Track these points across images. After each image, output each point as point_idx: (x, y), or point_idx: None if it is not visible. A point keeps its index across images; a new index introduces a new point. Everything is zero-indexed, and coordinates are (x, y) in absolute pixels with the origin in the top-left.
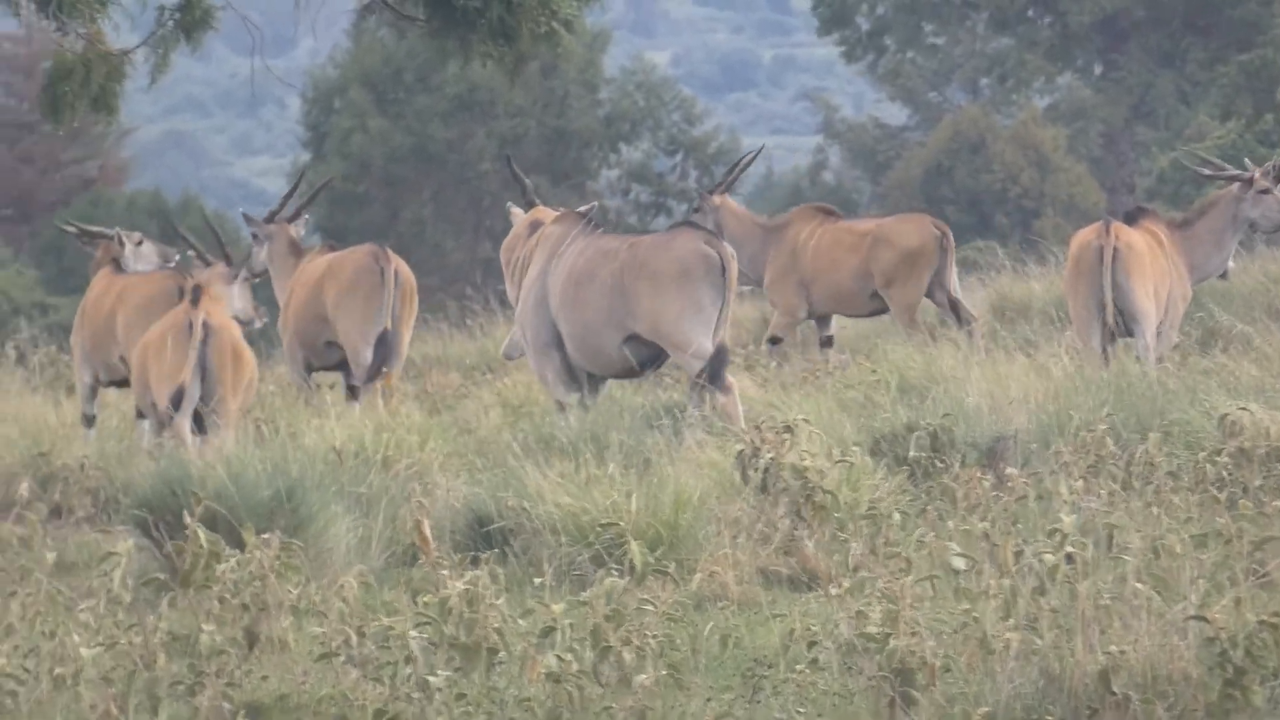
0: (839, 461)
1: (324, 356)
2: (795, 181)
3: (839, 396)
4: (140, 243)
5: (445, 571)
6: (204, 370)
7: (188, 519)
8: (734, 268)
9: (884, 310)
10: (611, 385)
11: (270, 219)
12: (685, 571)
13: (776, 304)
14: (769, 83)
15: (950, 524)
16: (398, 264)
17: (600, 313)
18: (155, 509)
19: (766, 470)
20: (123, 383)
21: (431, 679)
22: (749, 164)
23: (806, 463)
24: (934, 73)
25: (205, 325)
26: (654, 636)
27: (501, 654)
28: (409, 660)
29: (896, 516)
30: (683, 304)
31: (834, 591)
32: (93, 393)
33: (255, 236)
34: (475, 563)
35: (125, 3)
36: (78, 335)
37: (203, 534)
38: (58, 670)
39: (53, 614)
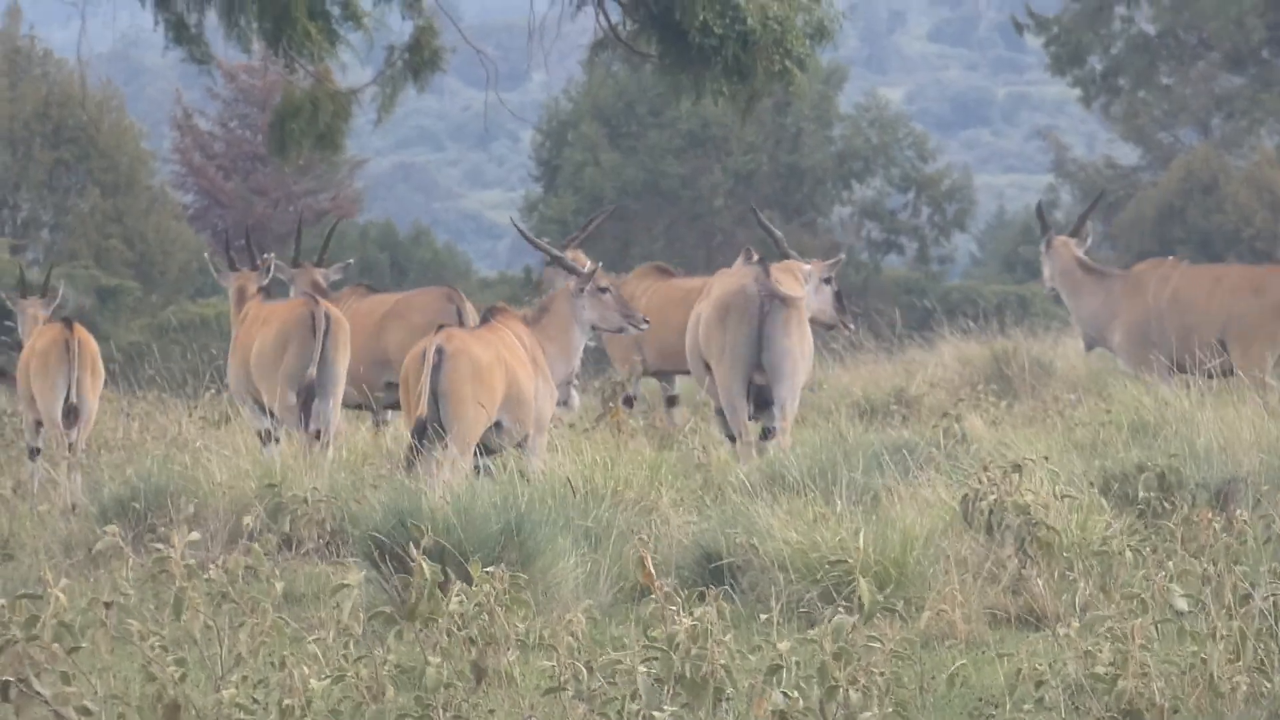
0: (1064, 497)
1: (378, 396)
2: (1027, 221)
3: (1069, 436)
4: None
5: (673, 607)
6: (435, 395)
7: (413, 551)
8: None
9: None
10: (843, 424)
11: (294, 263)
12: (913, 610)
13: (614, 360)
14: (1002, 120)
15: (1171, 564)
16: (469, 305)
17: None
18: (384, 541)
19: (991, 510)
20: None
21: (658, 714)
22: (601, 221)
23: (1029, 499)
24: (1164, 112)
25: (439, 351)
26: (881, 675)
27: (728, 690)
28: (635, 696)
29: (1128, 555)
30: None
31: (1062, 631)
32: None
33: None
34: (702, 598)
35: (354, 41)
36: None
37: (428, 567)
38: (286, 701)
39: (281, 645)
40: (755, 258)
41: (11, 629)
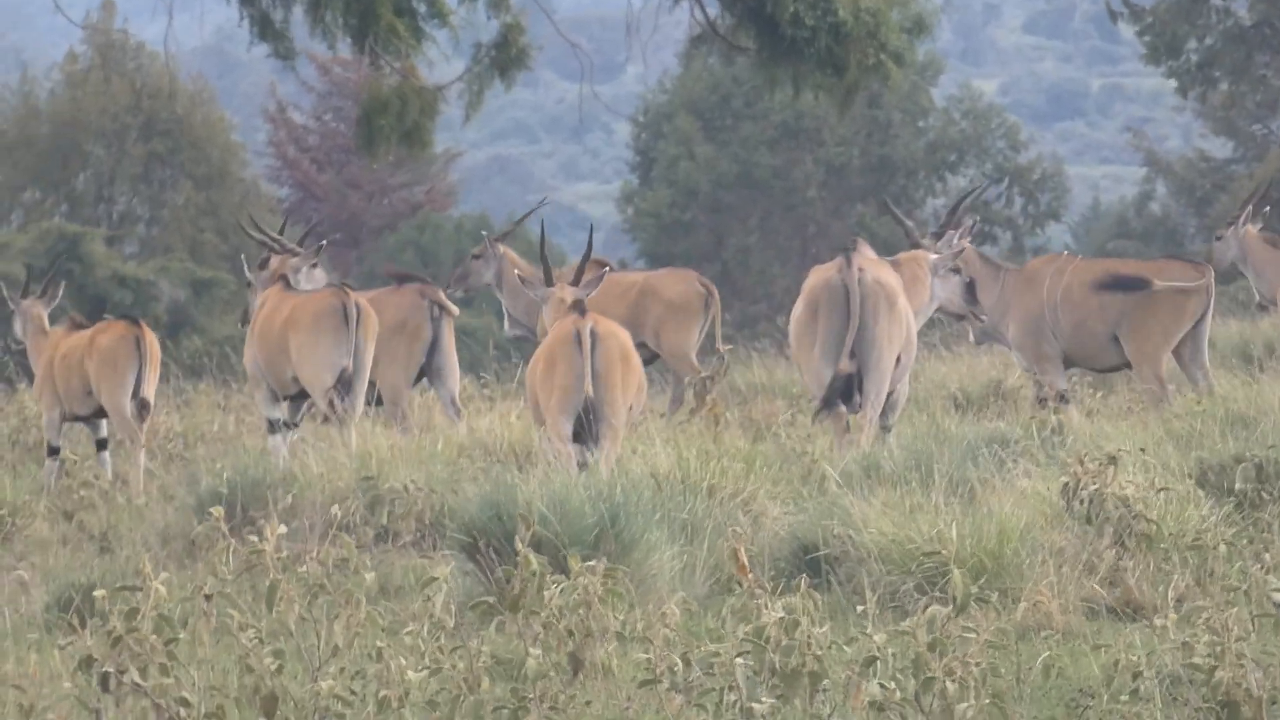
0: (1161, 490)
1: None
2: (1121, 213)
3: (1166, 427)
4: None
5: (760, 599)
6: (594, 378)
7: (518, 544)
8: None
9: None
10: (940, 415)
11: (263, 265)
12: (1009, 601)
13: None
14: (1097, 112)
15: (1268, 555)
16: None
17: None
18: (480, 533)
19: (1090, 501)
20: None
21: (755, 706)
22: (530, 214)
23: (1130, 493)
24: (1258, 104)
25: (593, 334)
26: (976, 666)
27: (824, 682)
28: (733, 688)
29: (1223, 548)
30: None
31: (1158, 622)
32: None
33: (250, 285)
34: (795, 589)
35: (440, 38)
36: (248, 352)
37: (534, 559)
38: (383, 693)
39: (377, 637)
40: (855, 247)
41: (112, 620)
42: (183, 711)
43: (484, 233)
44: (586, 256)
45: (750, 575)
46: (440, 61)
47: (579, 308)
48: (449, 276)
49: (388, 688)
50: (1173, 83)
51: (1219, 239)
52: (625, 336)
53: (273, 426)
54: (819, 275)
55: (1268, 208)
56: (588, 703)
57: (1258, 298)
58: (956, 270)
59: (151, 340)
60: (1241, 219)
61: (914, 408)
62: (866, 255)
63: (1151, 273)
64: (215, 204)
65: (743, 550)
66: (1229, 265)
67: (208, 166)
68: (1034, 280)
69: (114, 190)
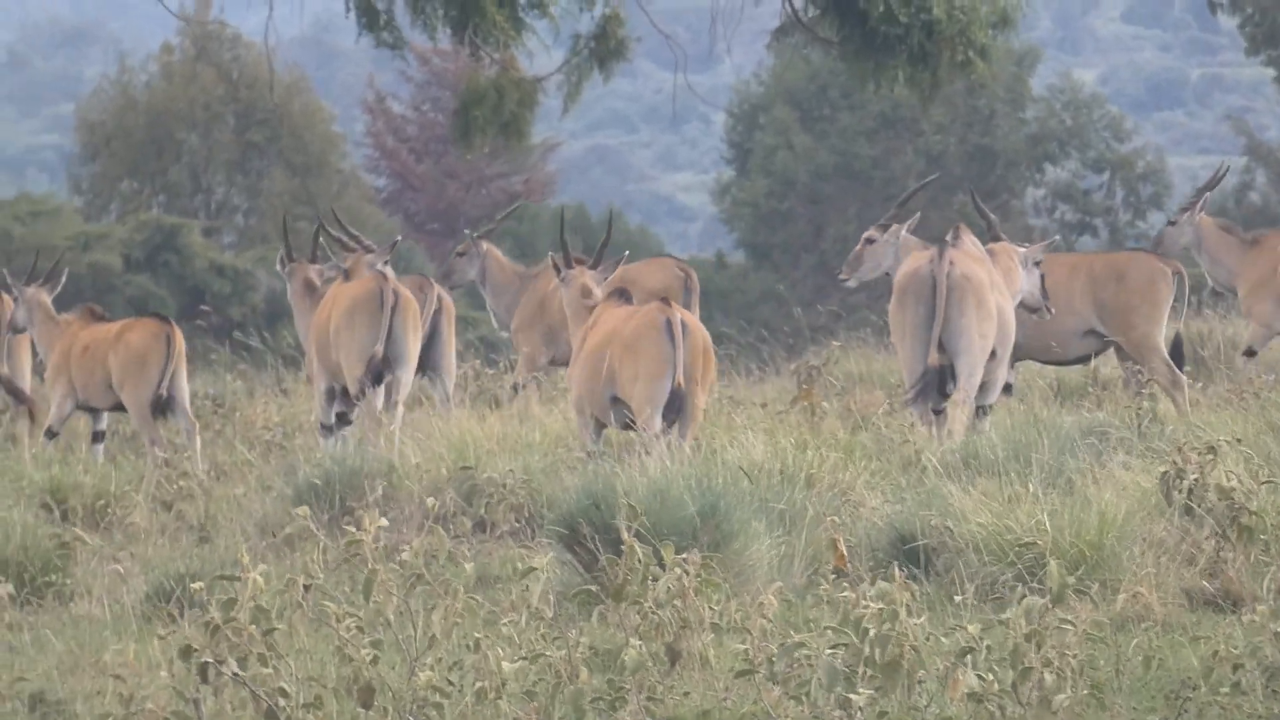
0: (1265, 483)
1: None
2: (1221, 202)
3: (1266, 418)
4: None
5: (853, 591)
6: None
7: (622, 533)
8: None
9: None
10: (1037, 405)
11: (289, 258)
12: (1108, 592)
13: (520, 349)
14: (1196, 102)
15: None
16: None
17: None
18: (578, 524)
19: (1191, 491)
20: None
21: (853, 696)
22: (510, 213)
23: (1232, 484)
24: None
25: (684, 324)
26: (1074, 657)
27: (921, 673)
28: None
29: None
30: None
31: (1260, 614)
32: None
33: (278, 274)
34: (890, 579)
35: (540, 29)
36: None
37: (639, 548)
38: (481, 683)
39: (475, 627)
40: (956, 236)
41: (209, 611)
42: (281, 701)
43: (466, 231)
44: (605, 241)
45: (848, 565)
46: (539, 52)
47: (663, 300)
48: (437, 272)
49: (485, 678)
50: (1272, 71)
51: (1173, 224)
52: (703, 327)
53: (327, 430)
54: (911, 265)
55: None
56: (686, 694)
57: (1210, 283)
58: (1039, 264)
59: (179, 339)
60: (1198, 205)
61: (1013, 398)
62: (964, 246)
63: (1117, 265)
64: (312, 193)
65: (841, 540)
66: (1181, 251)
67: (305, 156)
68: None
69: (211, 180)
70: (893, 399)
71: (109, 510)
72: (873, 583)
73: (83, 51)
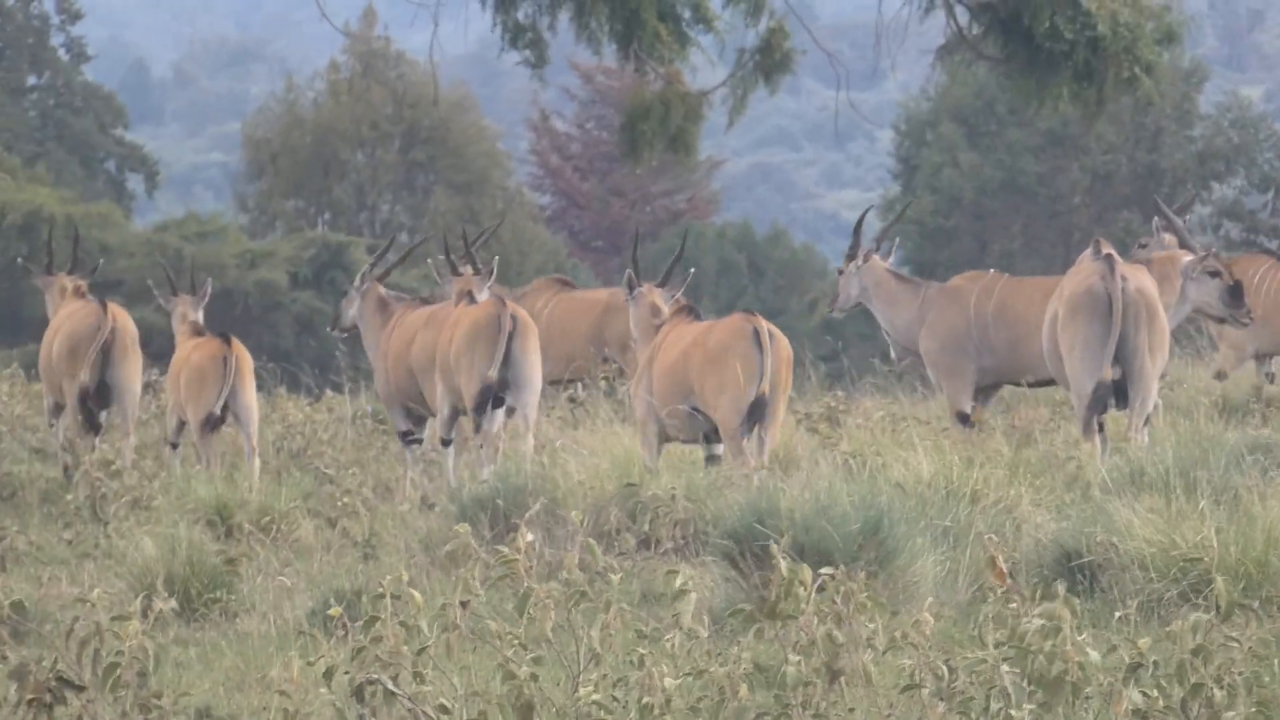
0: None
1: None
2: None
3: None
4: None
5: (1017, 605)
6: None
7: (774, 551)
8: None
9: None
10: (1203, 422)
11: (363, 280)
12: (1275, 610)
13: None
14: None
15: None
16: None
17: None
18: (742, 540)
19: None
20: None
21: (1015, 713)
22: (486, 236)
23: None
24: None
25: (771, 333)
26: (1240, 674)
27: (1086, 690)
28: (995, 695)
29: None
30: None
31: None
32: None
33: (346, 294)
34: (1053, 596)
35: (705, 43)
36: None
37: (785, 565)
38: (645, 699)
39: (638, 643)
40: (1104, 251)
41: (362, 630)
42: (443, 718)
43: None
44: (678, 258)
45: (1008, 582)
46: (704, 67)
47: (746, 309)
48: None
49: (649, 694)
50: None
51: (840, 273)
52: (785, 337)
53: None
54: (1079, 281)
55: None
56: (850, 709)
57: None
58: (1215, 273)
59: (242, 356)
60: (873, 250)
61: (1178, 414)
62: (1124, 261)
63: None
64: (476, 211)
65: (999, 557)
66: (853, 304)
67: (468, 174)
68: (958, 297)
69: (376, 198)
70: (1058, 415)
71: (274, 526)
72: (1035, 599)
73: (248, 70)
